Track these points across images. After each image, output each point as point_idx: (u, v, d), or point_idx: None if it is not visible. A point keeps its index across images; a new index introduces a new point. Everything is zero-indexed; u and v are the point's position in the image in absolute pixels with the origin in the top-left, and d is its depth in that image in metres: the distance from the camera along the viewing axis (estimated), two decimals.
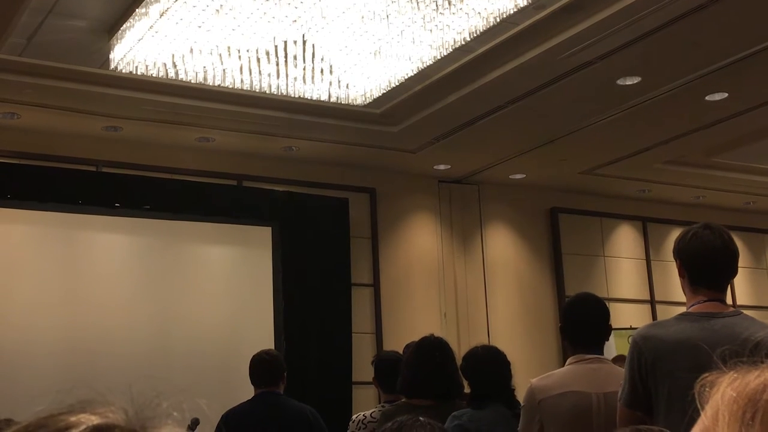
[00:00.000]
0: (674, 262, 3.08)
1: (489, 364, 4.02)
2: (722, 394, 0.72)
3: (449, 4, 5.62)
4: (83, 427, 0.64)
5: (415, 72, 6.57)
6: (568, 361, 3.54)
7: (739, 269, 3.07)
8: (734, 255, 2.99)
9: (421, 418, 1.90)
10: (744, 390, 0.71)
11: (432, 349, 4.00)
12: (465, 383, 4.04)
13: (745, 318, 2.95)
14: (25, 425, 0.65)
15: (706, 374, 0.75)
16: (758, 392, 0.70)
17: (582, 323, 3.54)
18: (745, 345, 0.86)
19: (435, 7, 5.64)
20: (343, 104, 7.14)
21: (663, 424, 2.55)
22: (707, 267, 2.94)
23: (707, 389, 0.74)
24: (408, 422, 1.86)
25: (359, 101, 7.06)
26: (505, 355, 4.11)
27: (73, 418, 0.65)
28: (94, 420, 0.65)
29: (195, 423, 3.03)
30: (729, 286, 3.08)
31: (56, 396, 0.70)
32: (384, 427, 1.91)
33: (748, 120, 7.96)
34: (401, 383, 3.97)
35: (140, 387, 0.71)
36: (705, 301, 2.93)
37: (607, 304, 3.68)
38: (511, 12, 5.72)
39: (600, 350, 3.58)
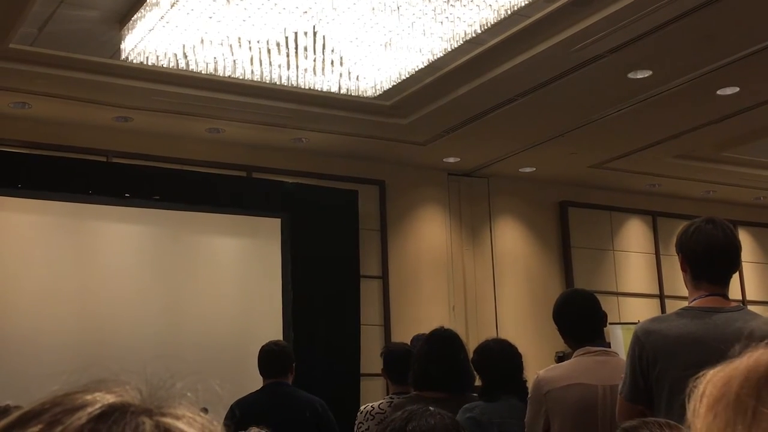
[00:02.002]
0: None
1: (501, 357, 3.99)
2: (702, 390, 0.75)
3: None
4: (98, 405, 0.64)
5: (425, 64, 6.57)
6: (574, 354, 3.55)
7: (749, 264, 3.07)
8: (737, 250, 2.98)
9: (431, 408, 1.90)
10: (719, 383, 0.75)
11: (443, 341, 3.99)
12: (476, 376, 4.03)
13: (747, 313, 2.95)
14: (41, 403, 0.65)
15: (700, 373, 0.78)
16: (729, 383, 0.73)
17: (580, 319, 3.56)
18: (740, 336, 0.87)
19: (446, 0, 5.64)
20: (353, 96, 7.13)
21: (664, 418, 2.56)
22: (709, 261, 2.92)
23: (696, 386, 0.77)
24: (418, 411, 1.87)
25: (369, 93, 7.06)
26: (516, 348, 4.09)
27: (88, 397, 0.65)
28: (110, 399, 0.66)
29: (203, 412, 3.02)
30: (738, 282, 3.07)
31: (71, 376, 0.70)
32: (394, 416, 1.91)
33: (760, 115, 7.93)
34: (412, 376, 3.96)
35: (154, 368, 0.72)
36: (707, 296, 2.92)
37: (616, 298, 3.72)
38: (522, 4, 5.70)
39: (603, 340, 3.61)
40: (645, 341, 2.90)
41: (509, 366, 3.98)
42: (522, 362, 4.06)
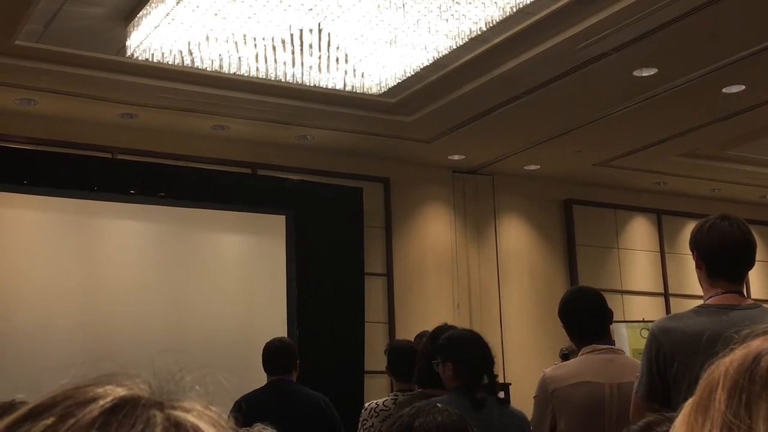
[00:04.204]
0: (689, 255, 3.04)
1: (479, 344, 3.60)
2: (716, 368, 0.79)
3: None
4: (110, 398, 0.65)
5: (430, 62, 6.56)
6: (581, 352, 3.54)
7: (755, 262, 3.04)
8: (752, 246, 2.95)
9: (438, 405, 1.91)
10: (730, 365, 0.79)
11: None
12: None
13: (765, 310, 2.91)
14: (52, 396, 0.66)
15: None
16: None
17: (587, 316, 3.54)
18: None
19: None
20: (358, 93, 7.14)
21: None
22: (725, 258, 2.89)
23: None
24: (425, 408, 1.88)
25: (374, 90, 7.06)
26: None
27: (99, 390, 0.66)
28: (121, 392, 0.66)
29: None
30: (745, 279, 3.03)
31: (80, 370, 0.70)
32: (402, 413, 1.92)
33: (765, 113, 7.92)
34: (417, 373, 3.94)
35: (163, 361, 0.72)
36: (723, 293, 2.88)
37: (620, 296, 3.69)
38: (527, 2, 5.70)
39: (609, 338, 3.59)
40: (662, 340, 2.87)
41: (487, 350, 3.60)
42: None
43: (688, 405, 0.80)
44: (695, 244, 2.95)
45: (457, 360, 3.49)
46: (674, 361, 2.82)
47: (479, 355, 3.54)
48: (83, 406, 0.64)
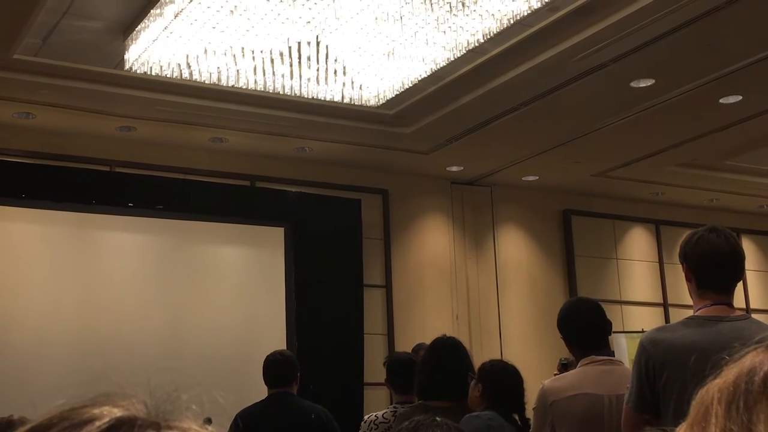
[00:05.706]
0: None
1: (516, 377, 3.86)
2: (707, 390, 0.80)
3: (463, 5, 5.62)
4: (106, 419, 0.65)
5: (428, 73, 6.58)
6: (579, 363, 3.53)
7: (753, 272, 3.06)
8: (741, 258, 2.97)
9: (437, 418, 1.90)
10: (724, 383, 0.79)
11: (446, 350, 3.97)
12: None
13: (753, 322, 2.94)
14: (48, 417, 0.66)
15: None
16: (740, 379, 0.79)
17: (586, 327, 3.55)
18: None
19: (448, 9, 5.65)
20: (356, 105, 7.15)
21: (672, 427, 2.54)
22: (714, 271, 2.91)
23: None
24: (425, 422, 1.87)
25: (372, 102, 7.07)
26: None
27: (96, 411, 0.66)
28: (117, 412, 0.66)
29: (207, 422, 3.01)
30: (742, 290, 3.05)
31: (77, 389, 0.70)
32: (401, 426, 1.91)
33: (762, 123, 7.93)
34: (417, 385, 3.94)
35: (159, 380, 0.72)
36: (712, 305, 2.90)
37: (619, 307, 3.69)
38: (525, 14, 5.71)
39: (609, 349, 3.59)
40: (651, 351, 2.88)
41: (520, 388, 3.85)
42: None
43: (681, 429, 0.80)
44: (684, 257, 2.97)
45: (486, 386, 3.74)
46: (663, 371, 2.84)
47: (511, 392, 3.77)
48: (79, 428, 0.64)
